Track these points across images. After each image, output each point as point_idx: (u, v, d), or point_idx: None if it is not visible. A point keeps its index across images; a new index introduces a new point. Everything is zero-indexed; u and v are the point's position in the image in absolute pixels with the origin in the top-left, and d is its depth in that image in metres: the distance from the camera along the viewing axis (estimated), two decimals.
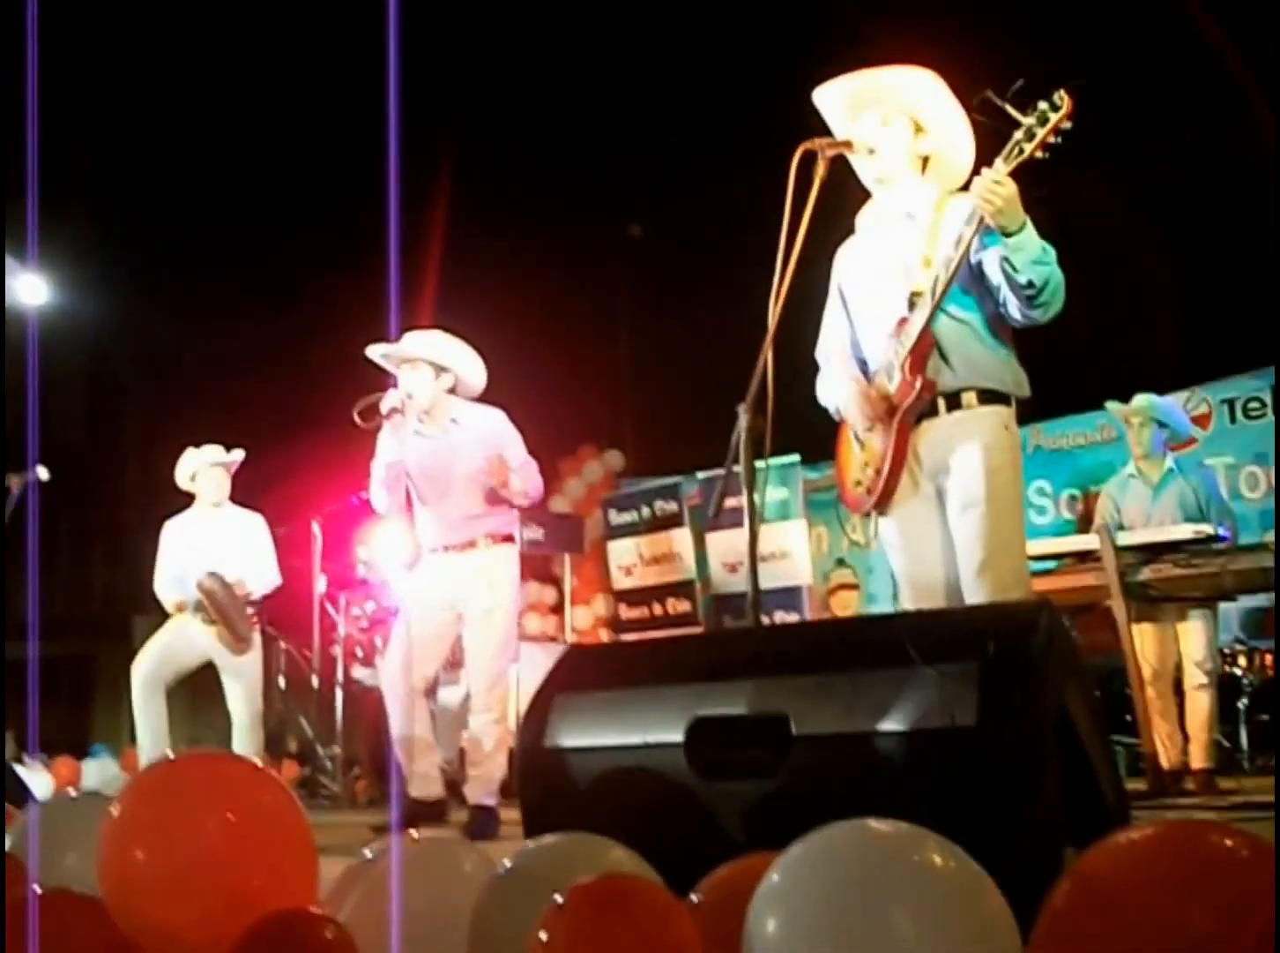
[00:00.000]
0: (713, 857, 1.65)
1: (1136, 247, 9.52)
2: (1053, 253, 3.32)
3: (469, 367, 5.36)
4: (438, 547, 5.32)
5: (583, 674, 2.34)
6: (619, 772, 2.15)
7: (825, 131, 3.64)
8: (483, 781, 5.15)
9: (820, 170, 3.37)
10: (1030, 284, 3.28)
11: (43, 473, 6.19)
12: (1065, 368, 8.72)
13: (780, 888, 1.28)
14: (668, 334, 12.37)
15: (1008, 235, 3.25)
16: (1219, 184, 9.32)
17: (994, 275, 3.40)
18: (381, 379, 5.36)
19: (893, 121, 3.61)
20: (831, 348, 3.87)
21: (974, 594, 3.32)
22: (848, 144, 3.53)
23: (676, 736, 2.10)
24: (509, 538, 5.36)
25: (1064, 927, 1.21)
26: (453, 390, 5.38)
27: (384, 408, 5.11)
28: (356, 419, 5.10)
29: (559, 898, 1.40)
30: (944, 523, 3.48)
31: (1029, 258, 3.26)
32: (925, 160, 3.68)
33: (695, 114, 11.43)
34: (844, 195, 3.78)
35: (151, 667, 6.44)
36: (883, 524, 3.63)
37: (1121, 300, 9.65)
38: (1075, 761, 2.05)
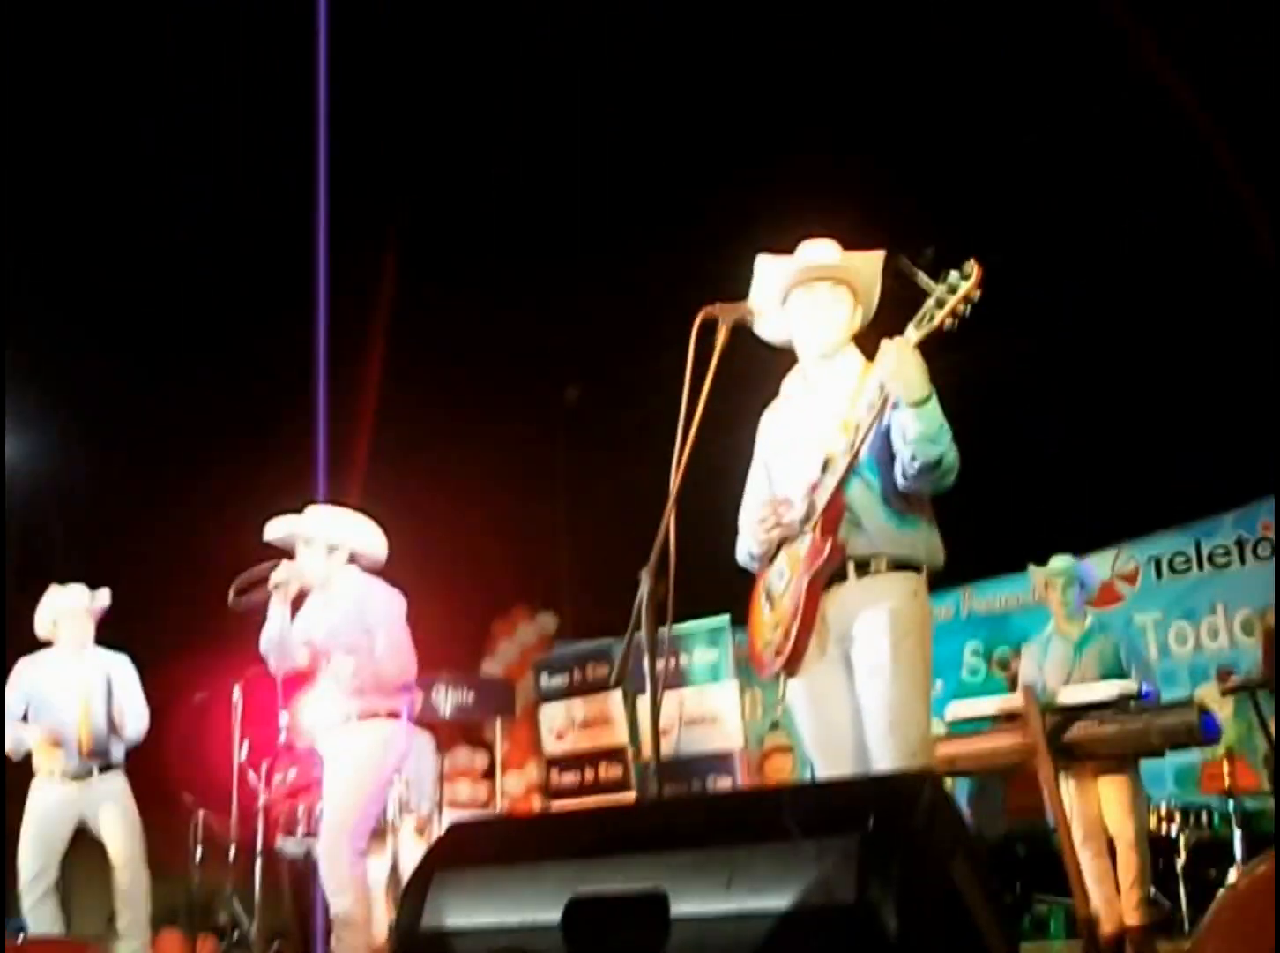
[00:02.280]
0: None
1: (1061, 407, 9.71)
2: (948, 434, 3.38)
3: (364, 541, 5.44)
4: (335, 716, 5.32)
5: (464, 851, 2.26)
6: None
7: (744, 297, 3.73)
8: None
9: (721, 336, 3.42)
10: (915, 458, 3.34)
11: None
12: (996, 528, 8.82)
13: None
14: (604, 495, 12.40)
15: (912, 406, 3.31)
16: (1143, 345, 9.55)
17: (895, 438, 3.45)
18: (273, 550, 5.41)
19: (844, 301, 3.72)
20: (752, 511, 3.89)
21: (879, 760, 3.29)
22: (749, 311, 3.59)
23: (554, 916, 2.02)
24: (392, 714, 5.29)
25: None
26: (355, 561, 5.41)
27: (271, 582, 5.20)
28: (231, 595, 5.16)
29: None
30: (851, 688, 3.46)
31: (924, 432, 3.32)
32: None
33: (633, 278, 11.63)
34: (759, 359, 3.84)
35: (39, 865, 6.21)
36: (791, 687, 3.61)
37: (1050, 459, 9.81)
38: (964, 936, 1.99)
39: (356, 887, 5.10)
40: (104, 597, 6.58)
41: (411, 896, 2.19)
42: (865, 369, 3.66)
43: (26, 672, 6.51)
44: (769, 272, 3.74)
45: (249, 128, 9.80)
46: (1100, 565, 8.05)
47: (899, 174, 8.90)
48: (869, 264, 3.70)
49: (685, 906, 1.93)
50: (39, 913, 6.18)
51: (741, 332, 3.55)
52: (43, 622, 6.53)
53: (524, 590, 12.17)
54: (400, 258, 12.21)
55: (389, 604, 5.38)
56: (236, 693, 7.96)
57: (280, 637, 5.32)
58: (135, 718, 6.51)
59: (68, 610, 6.48)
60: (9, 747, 6.33)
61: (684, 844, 2.01)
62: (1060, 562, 6.54)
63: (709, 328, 3.42)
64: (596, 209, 11.31)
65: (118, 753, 6.48)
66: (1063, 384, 9.64)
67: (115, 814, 6.35)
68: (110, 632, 6.74)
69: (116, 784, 6.44)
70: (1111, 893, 6.04)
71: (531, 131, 11.08)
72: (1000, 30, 8.84)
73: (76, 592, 6.55)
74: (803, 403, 3.79)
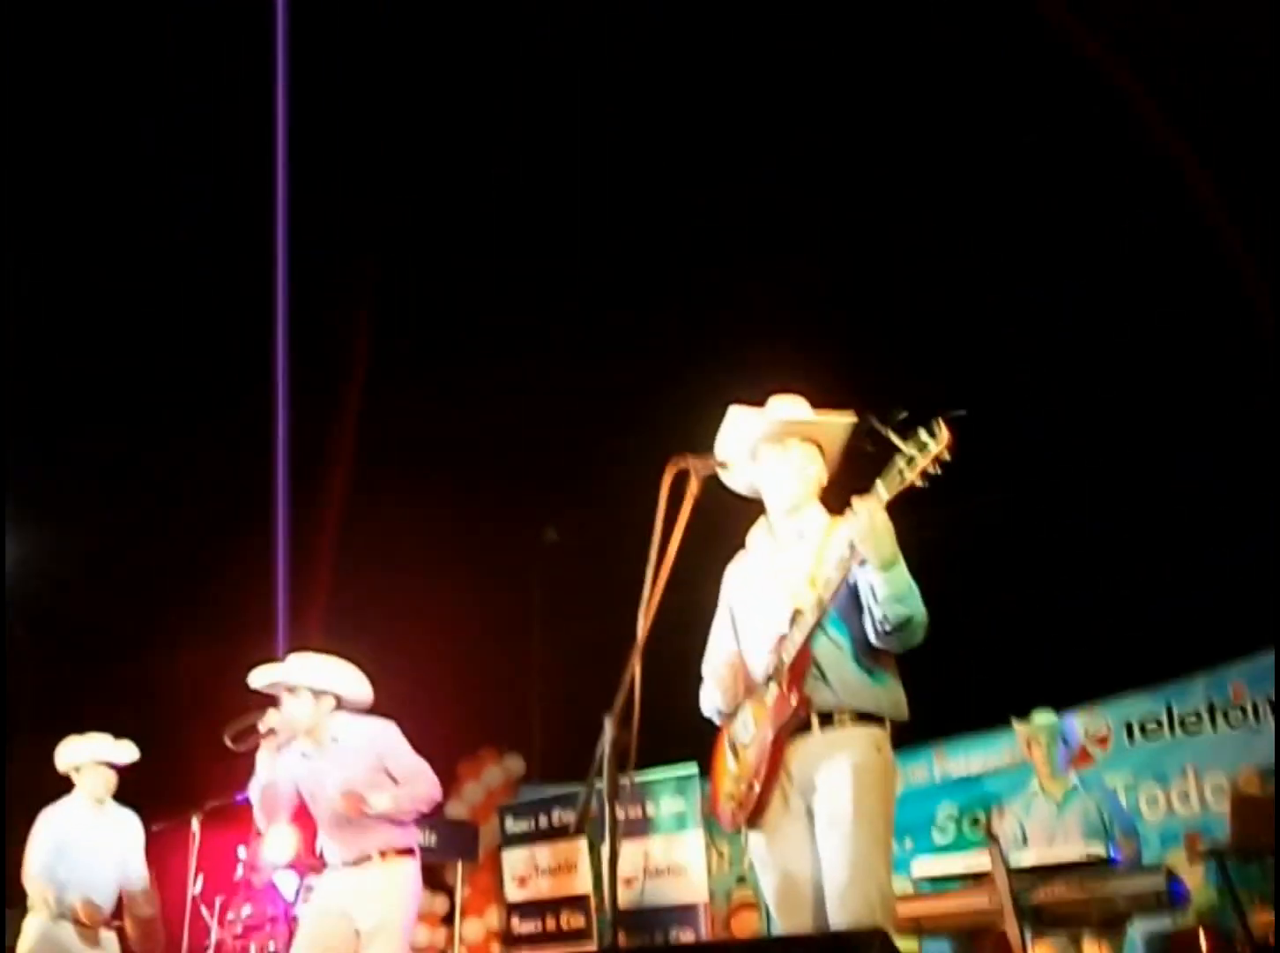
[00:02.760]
0: None
1: (1029, 563, 9.79)
2: (916, 594, 3.43)
3: (349, 685, 5.45)
4: (336, 863, 5.29)
5: None
6: None
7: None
8: None
9: (693, 487, 3.47)
10: (886, 619, 3.39)
11: None
12: (968, 685, 8.83)
13: None
14: (576, 638, 12.37)
15: (880, 569, 3.36)
16: (1113, 498, 9.67)
17: (865, 596, 3.48)
18: (260, 696, 5.42)
19: (814, 459, 3.80)
20: (718, 661, 3.90)
21: (836, 913, 3.27)
22: (721, 464, 3.65)
23: None
24: (406, 851, 5.31)
25: None
26: (340, 706, 5.44)
27: (262, 729, 5.19)
28: (228, 743, 5.14)
29: None
30: (813, 841, 3.44)
31: (893, 593, 3.38)
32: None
33: (611, 423, 11.77)
34: (727, 508, 3.89)
35: None
36: (752, 839, 3.59)
37: (1020, 617, 9.85)
38: None
39: None
40: (129, 751, 6.70)
41: None
42: (830, 524, 3.72)
43: (54, 821, 6.64)
44: (741, 424, 3.80)
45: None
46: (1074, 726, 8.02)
47: (869, 330, 9.10)
48: (838, 424, 3.78)
49: None
50: None
51: (710, 482, 3.60)
52: (64, 763, 6.69)
53: (492, 732, 12.04)
54: (368, 373, 12.33)
55: (394, 735, 5.40)
56: (194, 825, 7.83)
57: (272, 787, 5.30)
58: (140, 878, 6.74)
59: (91, 762, 6.59)
60: (47, 895, 6.37)
61: None
62: (1044, 718, 6.53)
63: (680, 478, 3.47)
64: (572, 358, 11.50)
65: None
66: (1033, 539, 9.72)
67: None
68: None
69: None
70: None
71: (509, 272, 11.29)
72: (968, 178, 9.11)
73: (100, 742, 6.65)
74: (769, 556, 3.84)
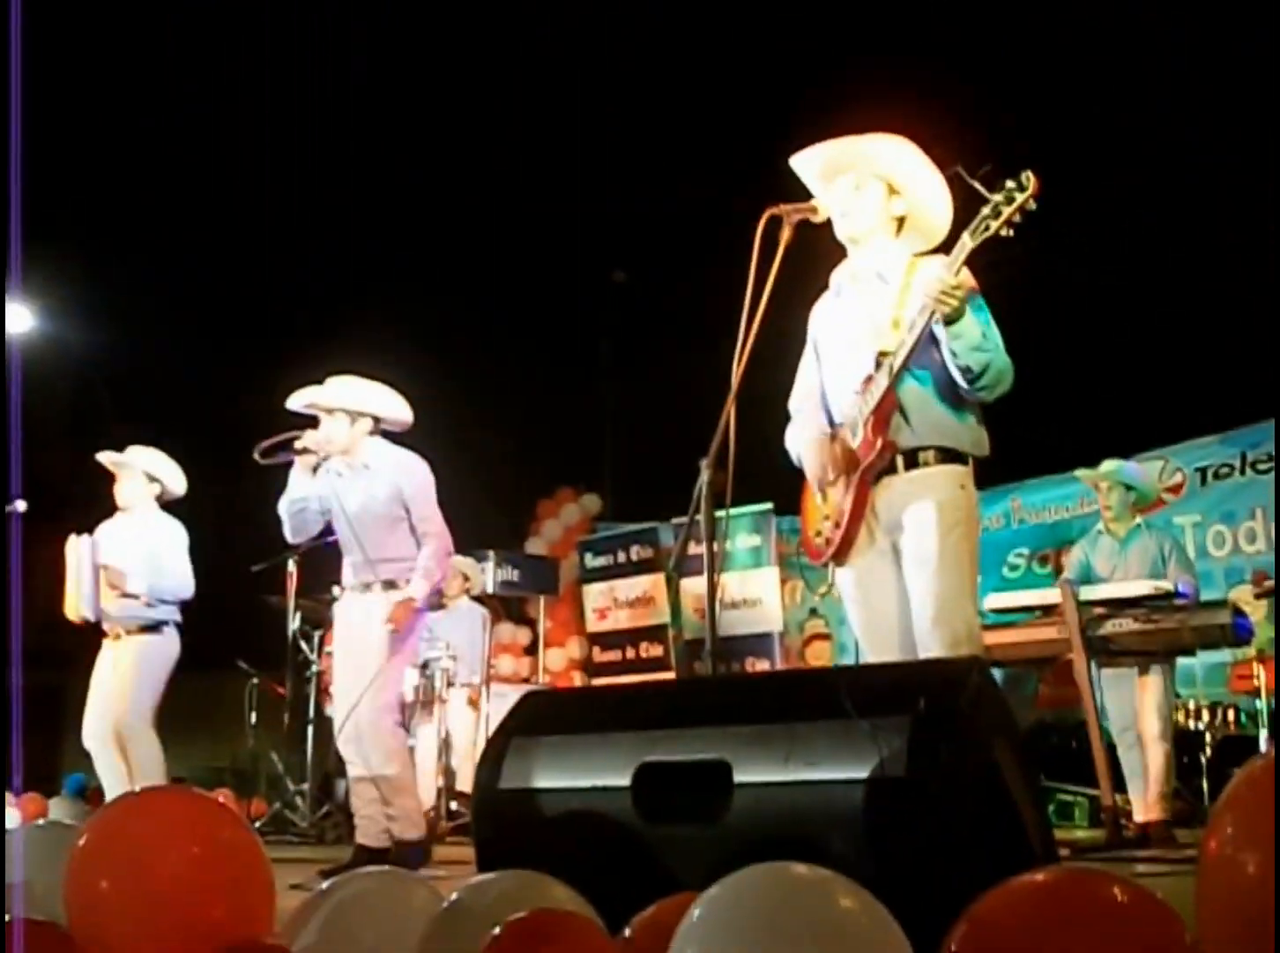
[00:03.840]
0: (655, 896, 1.73)
1: (1110, 315, 9.73)
2: (995, 338, 3.46)
3: (385, 407, 5.44)
4: (354, 585, 5.37)
5: (538, 719, 2.43)
6: (569, 813, 2.24)
7: (806, 194, 3.78)
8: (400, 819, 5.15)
9: (785, 234, 3.49)
10: (969, 369, 3.42)
11: (20, 506, 6.24)
12: (1039, 433, 8.90)
13: (699, 927, 1.38)
14: (651, 379, 12.50)
15: (948, 323, 3.39)
16: (1189, 257, 9.53)
17: (943, 347, 3.52)
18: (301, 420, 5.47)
19: (865, 185, 3.72)
20: (803, 398, 3.98)
21: (926, 647, 3.42)
22: (813, 209, 3.65)
23: (624, 780, 2.19)
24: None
25: None
26: (384, 432, 5.48)
27: (298, 446, 5.27)
28: (257, 457, 5.24)
29: (496, 931, 1.49)
30: (900, 577, 3.58)
31: (968, 345, 3.40)
32: (901, 221, 3.80)
33: (688, 167, 11.61)
34: (818, 256, 3.90)
35: (93, 723, 6.45)
36: (840, 576, 3.74)
37: (1099, 366, 9.84)
38: (1003, 812, 2.14)
39: (403, 754, 5.27)
40: (156, 462, 6.70)
41: (490, 758, 2.36)
42: (910, 265, 3.70)
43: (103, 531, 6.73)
44: (800, 166, 3.79)
45: None
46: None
47: (960, 92, 8.84)
48: (884, 147, 3.68)
49: (746, 774, 2.10)
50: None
51: (802, 231, 3.61)
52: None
53: (569, 472, 12.33)
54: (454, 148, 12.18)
55: (422, 475, 5.43)
56: (290, 565, 8.20)
57: (302, 503, 5.38)
58: (158, 577, 6.56)
59: (121, 467, 6.66)
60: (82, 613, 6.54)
61: (746, 718, 2.17)
62: (1108, 465, 6.62)
63: (773, 225, 3.49)
64: (658, 109, 11.25)
65: (155, 612, 6.58)
66: (1111, 294, 9.63)
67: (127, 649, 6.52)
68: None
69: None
70: (1142, 786, 6.20)
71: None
72: None
73: (133, 452, 6.70)
74: (852, 297, 3.84)
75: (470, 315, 12.48)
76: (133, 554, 6.50)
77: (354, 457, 5.38)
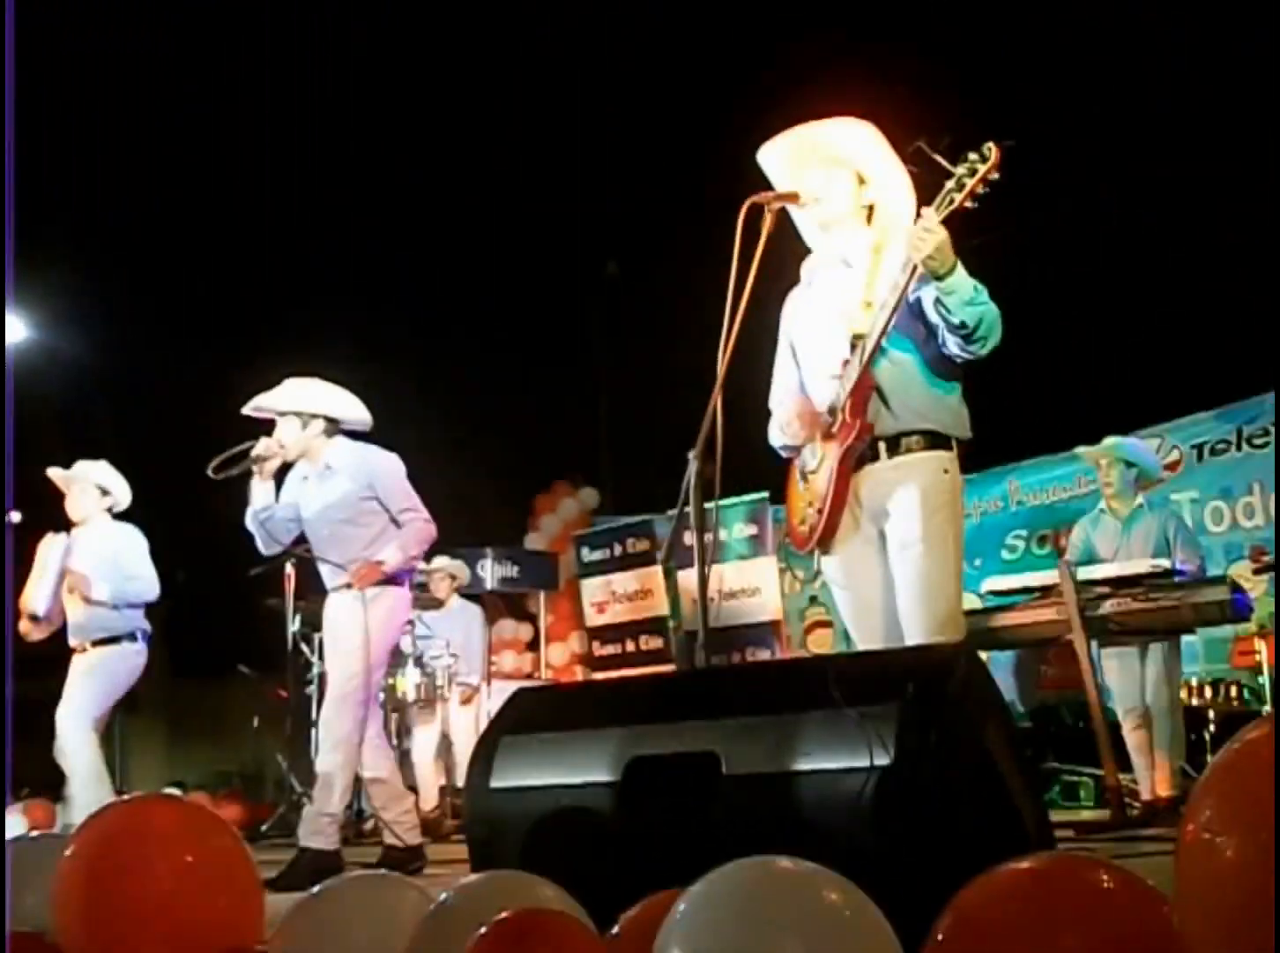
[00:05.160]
0: (647, 892, 1.72)
1: (1107, 291, 9.71)
2: (984, 291, 3.42)
3: (336, 407, 5.36)
4: (335, 586, 5.30)
5: (527, 716, 2.42)
6: (559, 810, 2.23)
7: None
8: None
9: (767, 223, 3.47)
10: (964, 324, 3.38)
11: (14, 516, 6.22)
12: (1034, 414, 8.88)
13: (682, 923, 1.37)
14: (645, 372, 12.50)
15: (938, 279, 3.35)
16: (1180, 226, 9.50)
17: (931, 315, 3.50)
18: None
19: (835, 172, 3.72)
20: (783, 394, 3.96)
21: (909, 633, 3.41)
22: (793, 197, 3.63)
23: (614, 775, 2.18)
24: (393, 581, 5.27)
25: None
26: (350, 432, 5.42)
27: (253, 455, 5.20)
28: (210, 474, 5.17)
29: (482, 931, 1.48)
30: (885, 564, 3.57)
31: (961, 299, 3.36)
32: (871, 209, 3.78)
33: (681, 161, 11.61)
34: (796, 246, 3.89)
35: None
36: (825, 562, 3.72)
37: (1092, 344, 9.82)
38: (996, 797, 2.13)
39: (348, 747, 5.14)
40: (102, 472, 6.66)
41: (481, 757, 2.35)
42: (876, 245, 3.69)
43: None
44: (767, 156, 3.78)
45: None
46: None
47: (920, 62, 8.83)
48: (850, 132, 3.67)
49: (735, 767, 2.09)
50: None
51: (784, 219, 3.60)
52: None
53: (566, 466, 12.32)
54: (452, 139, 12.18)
55: (388, 467, 5.36)
56: (288, 567, 8.19)
57: (266, 514, 5.33)
58: (121, 581, 6.48)
59: (68, 482, 6.63)
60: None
61: (734, 710, 2.16)
62: (1109, 441, 6.60)
63: (754, 214, 3.47)
64: (650, 102, 11.25)
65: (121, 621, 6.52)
66: (1102, 272, 9.61)
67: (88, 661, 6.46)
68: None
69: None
70: (1148, 764, 6.19)
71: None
72: None
73: (80, 466, 6.66)
74: (823, 285, 3.83)
75: (463, 312, 12.48)
76: (96, 561, 6.49)
77: (315, 460, 5.32)
